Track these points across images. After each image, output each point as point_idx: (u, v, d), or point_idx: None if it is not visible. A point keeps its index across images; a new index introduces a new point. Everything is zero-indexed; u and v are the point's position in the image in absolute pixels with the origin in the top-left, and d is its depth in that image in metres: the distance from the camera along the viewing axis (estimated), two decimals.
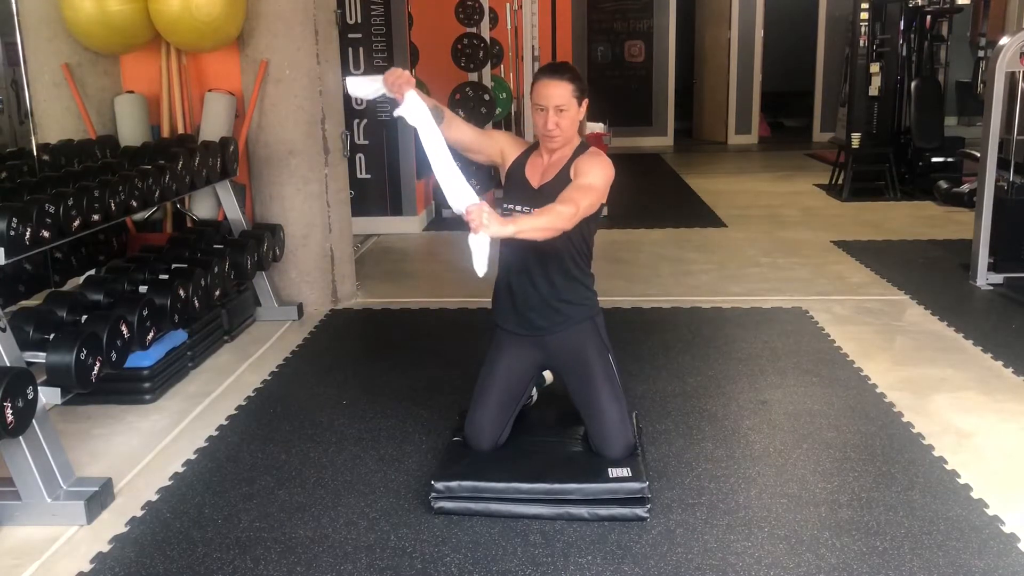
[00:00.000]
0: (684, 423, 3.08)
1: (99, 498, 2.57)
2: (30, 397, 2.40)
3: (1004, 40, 4.67)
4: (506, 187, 2.75)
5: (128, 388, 3.33)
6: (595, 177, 2.51)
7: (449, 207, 2.38)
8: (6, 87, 4.20)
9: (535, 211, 2.41)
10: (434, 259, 5.88)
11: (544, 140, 2.63)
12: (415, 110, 2.43)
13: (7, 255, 2.60)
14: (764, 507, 2.51)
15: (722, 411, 3.19)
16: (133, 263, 3.63)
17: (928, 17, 7.63)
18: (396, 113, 2.46)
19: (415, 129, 2.43)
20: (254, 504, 2.59)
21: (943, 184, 7.15)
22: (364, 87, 2.56)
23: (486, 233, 2.20)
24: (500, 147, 2.74)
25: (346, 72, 5.84)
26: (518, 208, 2.65)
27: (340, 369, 3.71)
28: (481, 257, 2.23)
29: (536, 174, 2.67)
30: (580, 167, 2.56)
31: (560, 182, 2.58)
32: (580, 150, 2.65)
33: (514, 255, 2.67)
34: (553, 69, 2.63)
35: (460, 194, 2.32)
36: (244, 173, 4.44)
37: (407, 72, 2.48)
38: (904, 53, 7.56)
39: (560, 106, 2.55)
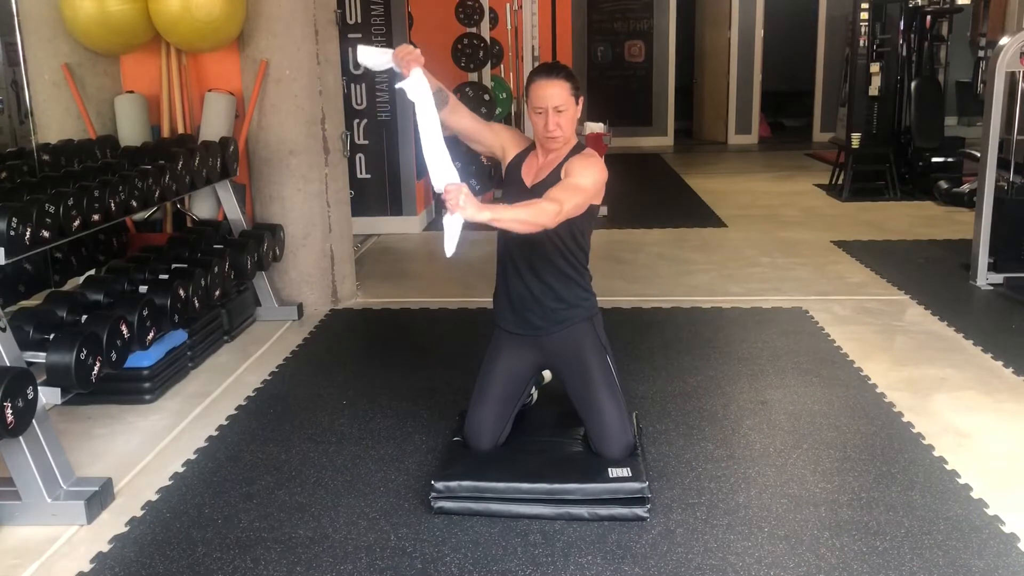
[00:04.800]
0: (684, 423, 3.07)
1: (99, 498, 2.57)
2: (30, 397, 2.41)
3: (1004, 40, 4.68)
4: (504, 185, 2.74)
5: (128, 388, 3.33)
6: (584, 178, 2.49)
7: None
8: (6, 87, 4.20)
9: (518, 204, 2.37)
10: (434, 259, 5.88)
11: (545, 142, 2.61)
12: (417, 86, 2.40)
13: (7, 255, 2.60)
14: (764, 507, 2.51)
15: (722, 411, 3.18)
16: (133, 263, 3.63)
17: (928, 17, 7.63)
18: (398, 85, 2.41)
19: (413, 105, 2.39)
20: (254, 504, 2.59)
21: (943, 184, 7.15)
22: (373, 57, 2.51)
23: (461, 215, 2.19)
24: (501, 142, 2.72)
25: (345, 73, 5.85)
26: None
27: (340, 369, 3.71)
28: (452, 238, 2.24)
29: (530, 173, 2.67)
30: (571, 167, 2.54)
31: (551, 181, 2.57)
32: (575, 150, 2.64)
33: (508, 255, 2.66)
34: (548, 69, 2.60)
35: (442, 173, 2.28)
36: (244, 173, 4.44)
37: (418, 50, 2.43)
38: (904, 53, 7.56)
39: (559, 106, 2.53)
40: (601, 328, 2.73)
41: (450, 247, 2.25)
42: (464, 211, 2.17)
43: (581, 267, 2.69)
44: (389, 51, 2.47)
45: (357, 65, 5.98)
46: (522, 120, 8.57)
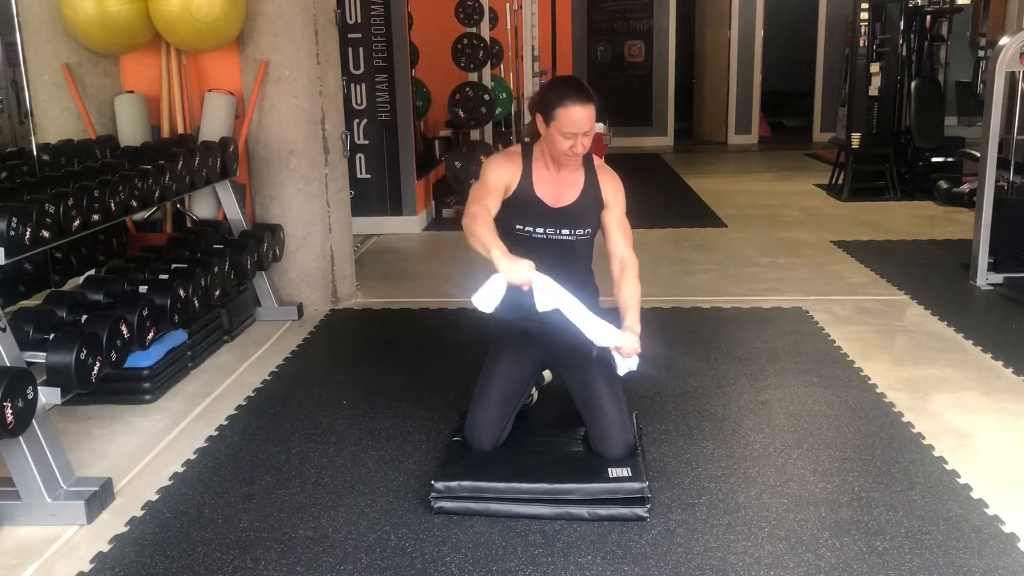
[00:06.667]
0: (684, 423, 3.08)
1: (99, 498, 2.57)
2: (30, 397, 2.40)
3: (1004, 40, 4.67)
4: (512, 209, 2.65)
5: (128, 388, 3.33)
6: (623, 204, 2.72)
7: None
8: (6, 87, 4.20)
9: (623, 294, 2.67)
10: (434, 259, 5.88)
11: (564, 160, 2.59)
12: (553, 295, 2.42)
13: (7, 255, 2.60)
14: (764, 507, 2.51)
15: (722, 411, 3.19)
16: (133, 263, 3.63)
17: (928, 17, 7.62)
18: (541, 308, 2.42)
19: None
20: (254, 504, 2.59)
21: (943, 184, 7.15)
22: (490, 295, 2.38)
23: (637, 354, 2.52)
24: (504, 183, 2.64)
25: (345, 73, 5.86)
26: (538, 231, 2.63)
27: (340, 369, 3.71)
28: (630, 367, 2.57)
29: (550, 192, 2.65)
30: (609, 195, 2.68)
31: (587, 203, 2.65)
32: (588, 162, 2.68)
33: (533, 260, 2.52)
34: (579, 92, 2.51)
35: (605, 334, 2.50)
36: (244, 173, 4.44)
37: (523, 261, 2.36)
38: (904, 53, 7.55)
39: (588, 130, 2.54)
40: None
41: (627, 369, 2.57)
42: (639, 351, 2.53)
43: (590, 270, 2.77)
44: (498, 277, 2.37)
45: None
46: (521, 119, 8.57)
